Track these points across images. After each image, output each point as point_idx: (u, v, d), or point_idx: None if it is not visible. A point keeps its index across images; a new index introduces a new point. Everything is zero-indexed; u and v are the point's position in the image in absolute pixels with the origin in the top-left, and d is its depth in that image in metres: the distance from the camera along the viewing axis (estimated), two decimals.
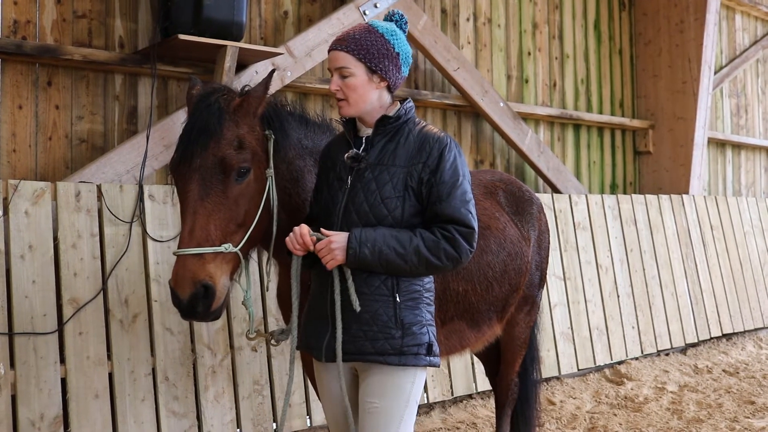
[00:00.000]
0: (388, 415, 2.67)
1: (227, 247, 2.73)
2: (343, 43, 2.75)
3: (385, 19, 2.90)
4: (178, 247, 2.72)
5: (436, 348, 2.77)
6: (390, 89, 2.82)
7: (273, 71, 3.08)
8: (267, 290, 3.12)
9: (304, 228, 2.70)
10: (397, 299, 2.68)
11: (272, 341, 2.93)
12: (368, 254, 2.60)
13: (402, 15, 2.89)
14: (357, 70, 2.73)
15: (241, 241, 2.81)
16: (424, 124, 2.83)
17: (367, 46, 2.74)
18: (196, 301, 2.68)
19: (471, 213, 2.71)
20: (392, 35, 2.79)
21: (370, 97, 2.76)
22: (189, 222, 2.74)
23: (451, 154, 2.72)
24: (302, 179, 3.14)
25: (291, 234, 2.72)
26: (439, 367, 2.86)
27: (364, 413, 2.71)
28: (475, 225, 2.71)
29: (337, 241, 2.62)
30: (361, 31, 2.77)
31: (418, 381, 2.74)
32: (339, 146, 2.90)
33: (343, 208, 2.73)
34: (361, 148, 2.78)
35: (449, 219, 2.67)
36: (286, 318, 3.43)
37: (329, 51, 2.79)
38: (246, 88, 3.00)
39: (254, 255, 3.21)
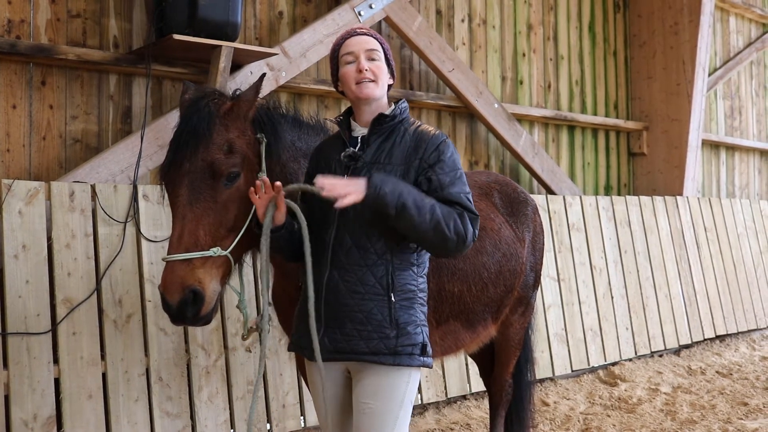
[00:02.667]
0: (382, 416, 2.67)
1: (216, 251, 2.73)
2: (367, 31, 2.86)
3: None
4: (168, 253, 2.72)
5: (429, 349, 2.76)
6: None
7: (264, 75, 3.08)
8: (262, 294, 3.11)
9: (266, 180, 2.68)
10: (392, 299, 2.67)
11: (262, 335, 2.91)
12: (388, 192, 2.54)
13: None
14: (381, 57, 2.83)
15: (231, 245, 2.80)
16: (419, 123, 2.86)
17: (383, 42, 2.88)
18: (186, 307, 2.67)
19: (471, 202, 2.75)
20: None
21: (386, 87, 2.84)
22: (178, 227, 2.74)
23: (448, 149, 2.77)
24: (296, 182, 3.13)
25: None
26: (431, 368, 2.85)
27: (358, 414, 2.70)
28: (477, 212, 2.75)
29: (354, 181, 2.56)
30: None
31: (413, 381, 2.74)
32: (332, 146, 2.90)
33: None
34: (357, 148, 2.79)
35: (452, 203, 2.69)
36: (282, 320, 3.43)
37: (350, 36, 2.85)
38: (237, 92, 2.99)
39: (248, 259, 3.19)
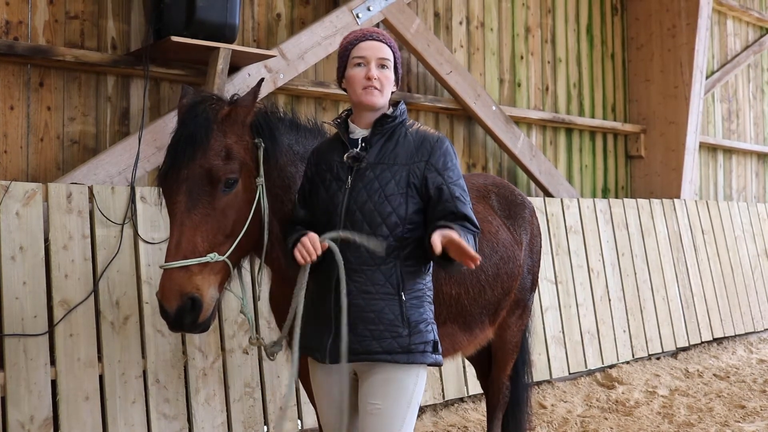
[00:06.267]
0: (389, 417, 2.68)
1: (213, 257, 2.72)
2: (384, 37, 2.84)
3: None
4: (165, 260, 2.71)
5: (440, 346, 2.79)
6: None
7: (262, 79, 3.07)
8: (258, 299, 3.11)
9: (313, 236, 2.67)
10: (403, 297, 2.69)
11: (270, 358, 2.93)
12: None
13: None
14: (391, 65, 2.83)
15: (229, 251, 2.79)
16: (418, 124, 2.87)
17: (395, 49, 2.88)
18: (184, 314, 2.67)
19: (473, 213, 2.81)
20: None
21: (389, 95, 2.83)
22: (176, 234, 2.73)
23: (454, 154, 2.81)
24: (294, 186, 3.12)
25: (299, 246, 2.67)
26: (442, 365, 2.87)
27: (365, 414, 2.71)
28: (479, 228, 2.80)
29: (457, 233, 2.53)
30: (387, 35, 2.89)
31: (420, 382, 2.75)
32: (331, 148, 2.90)
33: (345, 208, 2.72)
34: (359, 148, 2.79)
35: (464, 217, 2.72)
36: (279, 323, 3.43)
37: (366, 39, 2.82)
38: (235, 97, 2.99)
39: (246, 264, 3.19)
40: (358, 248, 2.68)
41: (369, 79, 2.75)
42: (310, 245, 2.64)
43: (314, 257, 2.65)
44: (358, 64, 2.79)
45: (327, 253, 2.71)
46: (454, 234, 2.49)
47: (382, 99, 2.79)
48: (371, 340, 2.67)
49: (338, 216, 2.73)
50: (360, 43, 2.82)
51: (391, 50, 2.83)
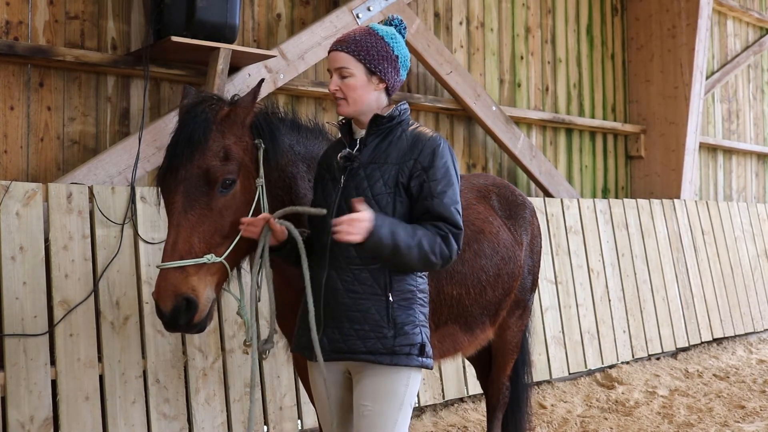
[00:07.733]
0: (381, 419, 2.67)
1: (210, 258, 2.72)
2: (343, 44, 2.79)
3: (384, 24, 2.94)
4: (162, 261, 2.72)
5: (429, 349, 2.76)
6: (388, 91, 2.85)
7: (262, 80, 3.07)
8: (259, 300, 3.09)
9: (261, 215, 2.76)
10: (390, 298, 2.68)
11: (263, 356, 2.94)
12: (383, 237, 2.53)
13: (401, 20, 2.93)
14: (356, 70, 2.76)
15: (226, 252, 2.79)
16: (417, 125, 2.85)
17: (367, 48, 2.78)
18: (178, 314, 2.67)
19: (460, 214, 2.73)
20: (392, 38, 2.84)
21: (369, 98, 2.79)
22: (173, 235, 2.74)
23: (444, 154, 2.75)
24: (295, 186, 3.12)
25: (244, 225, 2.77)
26: (431, 369, 2.85)
27: (358, 416, 2.71)
28: (462, 226, 2.74)
29: (362, 217, 2.52)
30: (362, 33, 2.82)
31: (413, 383, 2.74)
32: (335, 150, 2.91)
33: (337, 207, 2.74)
34: (355, 149, 2.79)
35: (440, 217, 2.68)
36: (280, 324, 3.43)
37: (329, 52, 2.82)
38: (235, 97, 2.99)
39: (246, 265, 3.18)
40: (348, 248, 2.67)
41: (333, 92, 2.79)
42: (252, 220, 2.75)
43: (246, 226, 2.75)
44: (331, 77, 2.82)
45: (315, 253, 2.76)
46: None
47: (349, 107, 2.78)
48: (356, 339, 2.68)
49: (331, 215, 2.73)
50: (329, 55, 2.85)
51: (351, 55, 2.77)
